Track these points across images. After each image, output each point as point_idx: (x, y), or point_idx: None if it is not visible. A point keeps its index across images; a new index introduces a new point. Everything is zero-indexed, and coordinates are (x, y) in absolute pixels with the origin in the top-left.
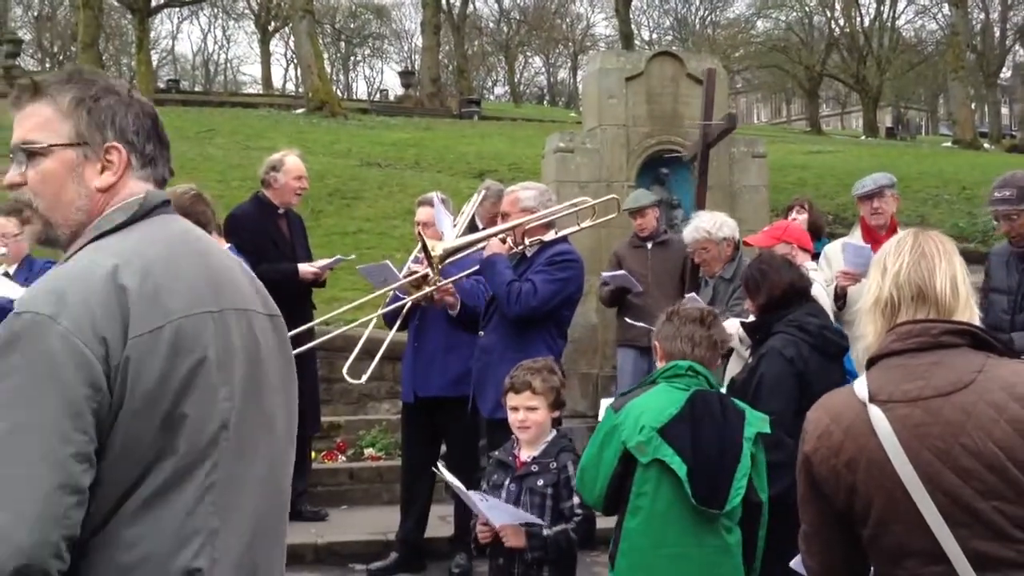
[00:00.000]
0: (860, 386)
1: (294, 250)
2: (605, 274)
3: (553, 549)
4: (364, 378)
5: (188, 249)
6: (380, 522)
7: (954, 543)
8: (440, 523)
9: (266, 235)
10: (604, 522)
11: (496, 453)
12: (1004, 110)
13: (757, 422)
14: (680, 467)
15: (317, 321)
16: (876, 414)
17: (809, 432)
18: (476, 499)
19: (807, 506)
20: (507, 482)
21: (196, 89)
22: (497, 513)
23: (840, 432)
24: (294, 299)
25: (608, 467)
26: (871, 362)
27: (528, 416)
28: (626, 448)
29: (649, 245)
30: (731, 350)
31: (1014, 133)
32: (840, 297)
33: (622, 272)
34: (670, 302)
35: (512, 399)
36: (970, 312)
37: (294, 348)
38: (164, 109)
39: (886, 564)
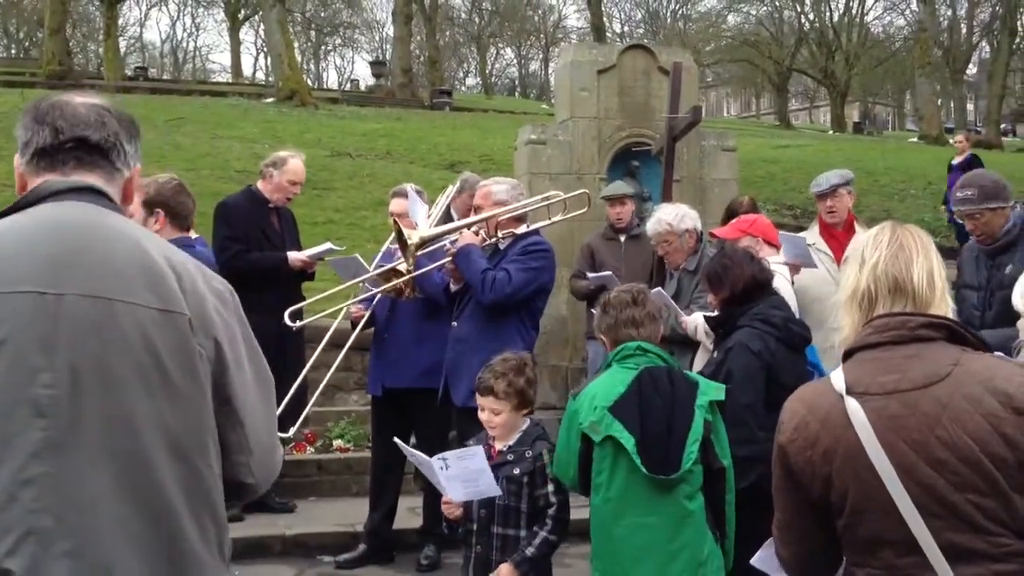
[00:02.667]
0: (837, 378)
1: (284, 243)
2: (591, 275)
3: (539, 561)
4: (331, 371)
5: (49, 233)
6: (349, 514)
7: (928, 534)
8: (409, 515)
9: (256, 226)
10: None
11: (470, 443)
12: (970, 106)
13: (711, 391)
14: (628, 439)
15: (288, 312)
16: (853, 406)
17: (785, 423)
18: (436, 467)
19: (782, 496)
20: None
21: (164, 77)
22: (456, 486)
23: (817, 423)
24: (284, 291)
25: (575, 450)
26: (848, 354)
27: (492, 418)
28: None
29: (623, 238)
30: (698, 344)
31: (979, 129)
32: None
33: (608, 273)
34: None
35: (478, 399)
36: (945, 306)
37: (290, 342)
38: (132, 97)
39: (860, 554)
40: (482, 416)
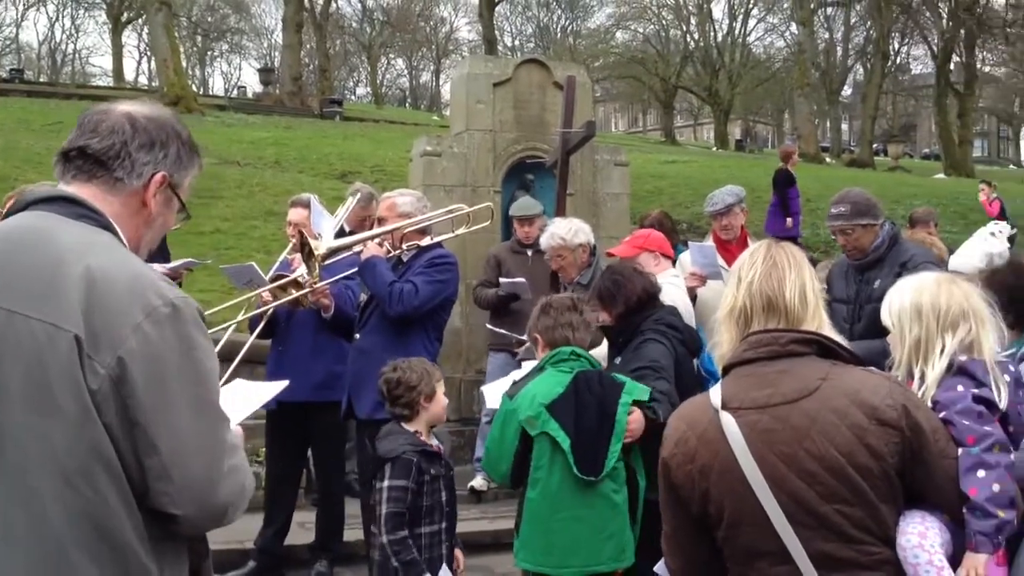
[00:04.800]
0: (715, 393)
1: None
2: (503, 280)
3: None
4: (220, 382)
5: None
6: (238, 530)
7: (798, 544)
8: (300, 530)
9: None
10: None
11: (406, 454)
12: (844, 126)
13: (635, 391)
14: (564, 440)
15: None
16: (727, 420)
17: (668, 439)
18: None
19: (667, 510)
20: (444, 470)
21: (42, 80)
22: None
23: (695, 439)
24: None
25: (510, 446)
26: (726, 370)
27: None
28: (523, 426)
29: (530, 252)
30: None
31: (853, 148)
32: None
33: (521, 280)
34: None
35: None
36: (819, 320)
37: None
38: (7, 100)
39: (739, 565)
40: None
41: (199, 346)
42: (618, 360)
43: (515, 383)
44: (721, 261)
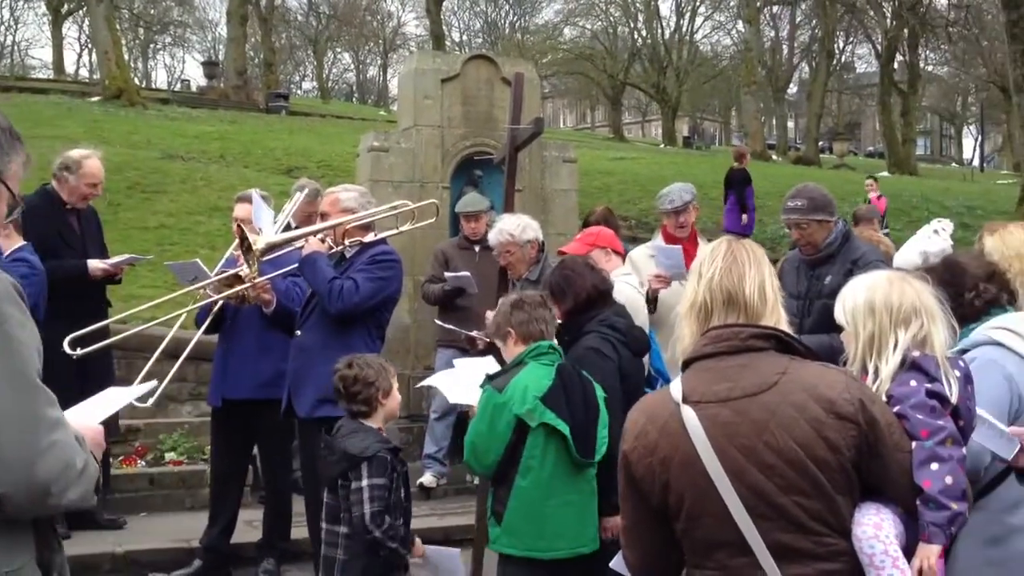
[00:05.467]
0: (675, 387)
1: (85, 247)
2: (448, 274)
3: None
4: (165, 382)
5: None
6: (183, 529)
7: (757, 536)
8: (247, 528)
9: (54, 231)
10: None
11: (381, 452)
12: (790, 123)
13: (600, 388)
14: (564, 427)
15: (113, 319)
16: (688, 414)
17: (628, 432)
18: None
19: (627, 502)
20: (401, 467)
21: None
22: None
23: (655, 432)
24: (85, 296)
25: (502, 438)
26: (686, 364)
27: None
28: (518, 418)
29: (477, 248)
30: None
31: (799, 146)
32: (651, 301)
33: (466, 274)
34: (493, 304)
35: None
36: (777, 316)
37: (86, 347)
38: None
39: (697, 556)
40: None
41: (10, 319)
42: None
43: (491, 377)
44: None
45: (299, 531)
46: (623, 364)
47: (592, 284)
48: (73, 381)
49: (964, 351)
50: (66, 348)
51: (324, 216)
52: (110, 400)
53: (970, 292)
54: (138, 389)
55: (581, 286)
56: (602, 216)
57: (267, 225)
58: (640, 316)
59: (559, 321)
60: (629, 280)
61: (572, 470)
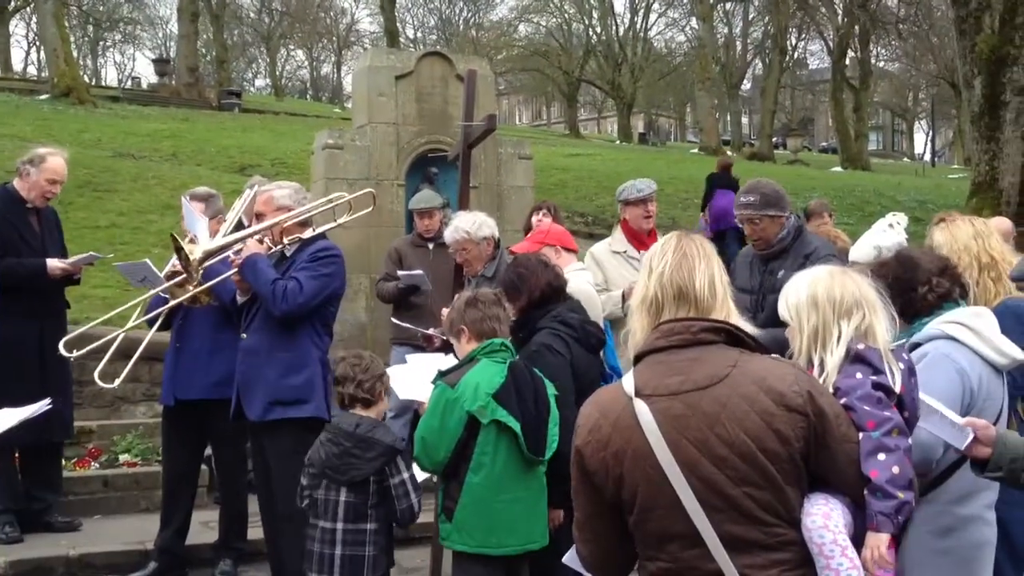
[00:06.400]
0: (628, 381)
1: (44, 247)
2: (401, 272)
3: None
4: (118, 382)
5: None
6: (138, 531)
7: (709, 527)
8: (203, 529)
9: (13, 229)
10: None
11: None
12: (745, 120)
13: (551, 385)
14: (515, 424)
15: (97, 322)
16: (641, 407)
17: (581, 426)
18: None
19: (580, 497)
20: None
21: None
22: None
23: (608, 426)
24: (44, 296)
25: (452, 434)
26: (638, 358)
27: None
28: (470, 414)
29: (431, 245)
30: None
31: (753, 142)
32: (628, 298)
33: (419, 272)
34: (448, 301)
35: None
36: (727, 309)
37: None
38: None
39: (650, 549)
40: None
41: None
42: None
43: (443, 373)
44: (636, 253)
45: (256, 531)
46: (576, 360)
47: (546, 281)
48: (36, 379)
49: (917, 345)
50: (61, 350)
51: (260, 216)
52: (9, 416)
53: (923, 286)
54: (30, 409)
55: (535, 283)
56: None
57: (202, 231)
58: (595, 311)
59: (514, 318)
60: (584, 276)
61: (522, 467)
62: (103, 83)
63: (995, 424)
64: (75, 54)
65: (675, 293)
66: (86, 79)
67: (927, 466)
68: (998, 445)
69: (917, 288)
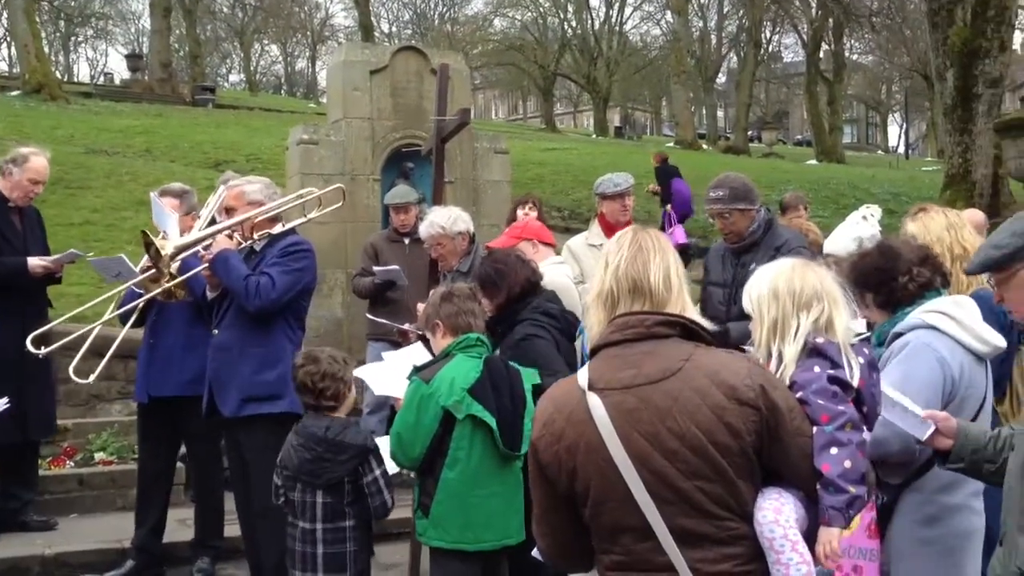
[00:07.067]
0: (582, 375)
1: (26, 246)
2: (377, 268)
3: None
4: (92, 377)
5: None
6: (114, 529)
7: (660, 521)
8: (180, 527)
9: None
10: None
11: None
12: (720, 113)
13: (530, 376)
14: (491, 419)
15: (66, 317)
16: (594, 401)
17: (536, 420)
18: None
19: (536, 490)
20: None
21: None
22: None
23: (562, 419)
24: (26, 295)
25: (428, 430)
26: (594, 352)
27: None
28: (445, 410)
29: (407, 240)
30: None
31: (729, 135)
32: None
33: (395, 267)
34: (424, 296)
35: None
36: (682, 303)
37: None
38: None
39: (604, 542)
40: None
41: None
42: (496, 352)
43: (418, 368)
44: None
45: (233, 528)
46: (559, 349)
47: (525, 277)
48: (18, 378)
49: (899, 335)
50: (29, 347)
51: (230, 211)
52: None
53: (904, 276)
54: None
55: (515, 280)
56: (531, 201)
57: (172, 228)
58: (571, 302)
59: (491, 314)
60: (562, 269)
61: (498, 462)
62: (75, 79)
63: (979, 412)
64: (47, 50)
65: (630, 287)
66: (58, 75)
67: (910, 455)
68: (959, 436)
69: (898, 278)
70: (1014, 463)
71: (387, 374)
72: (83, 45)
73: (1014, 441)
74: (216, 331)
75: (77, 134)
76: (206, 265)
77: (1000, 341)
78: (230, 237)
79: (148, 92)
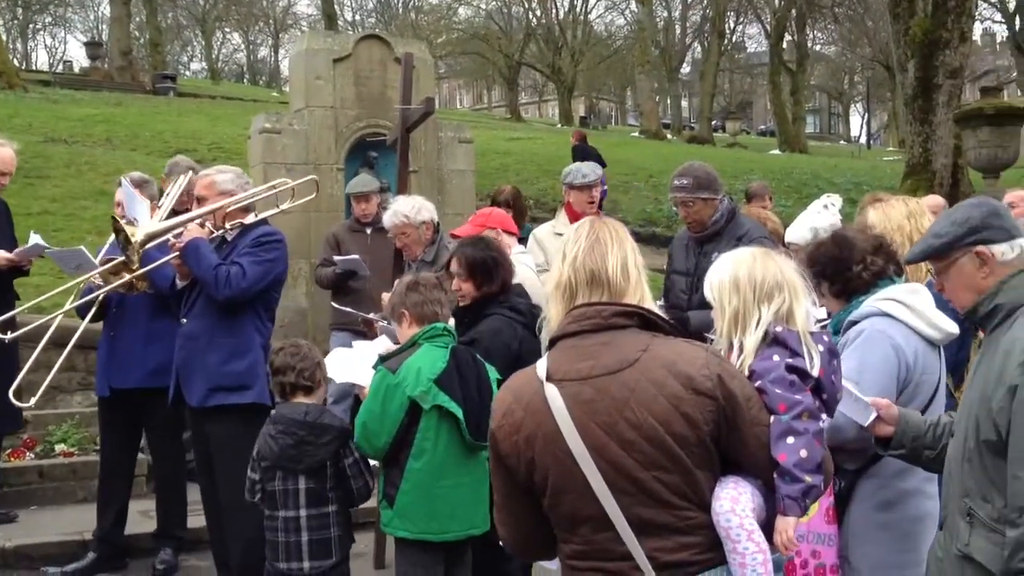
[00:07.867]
0: (541, 366)
1: None
2: (337, 258)
3: None
4: (54, 371)
5: None
6: (75, 521)
7: (618, 511)
8: (142, 518)
9: None
10: None
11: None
12: (684, 103)
13: (494, 370)
14: (457, 410)
15: (26, 306)
16: (552, 392)
17: (495, 411)
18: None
19: (496, 480)
20: None
21: None
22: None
23: (521, 410)
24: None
25: (394, 419)
26: (552, 343)
27: None
28: (411, 400)
29: (368, 230)
30: None
31: (693, 125)
32: None
33: (355, 257)
34: (388, 286)
35: None
36: (641, 293)
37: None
38: None
39: (564, 532)
40: None
41: None
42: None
43: (384, 358)
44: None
45: (196, 519)
46: (523, 347)
47: (510, 273)
48: None
49: (854, 323)
50: None
51: (201, 200)
52: None
53: (858, 265)
54: None
55: (508, 271)
56: (512, 195)
57: (143, 214)
58: (536, 296)
59: (467, 302)
60: (525, 260)
61: (464, 453)
62: (34, 67)
63: (933, 398)
64: (4, 37)
65: (588, 278)
66: (16, 63)
67: (865, 442)
68: (900, 423)
69: (852, 267)
70: (953, 449)
71: (349, 362)
72: (41, 32)
73: (953, 428)
74: (185, 320)
75: (35, 123)
76: (176, 254)
77: (952, 327)
78: (201, 226)
79: (108, 80)
